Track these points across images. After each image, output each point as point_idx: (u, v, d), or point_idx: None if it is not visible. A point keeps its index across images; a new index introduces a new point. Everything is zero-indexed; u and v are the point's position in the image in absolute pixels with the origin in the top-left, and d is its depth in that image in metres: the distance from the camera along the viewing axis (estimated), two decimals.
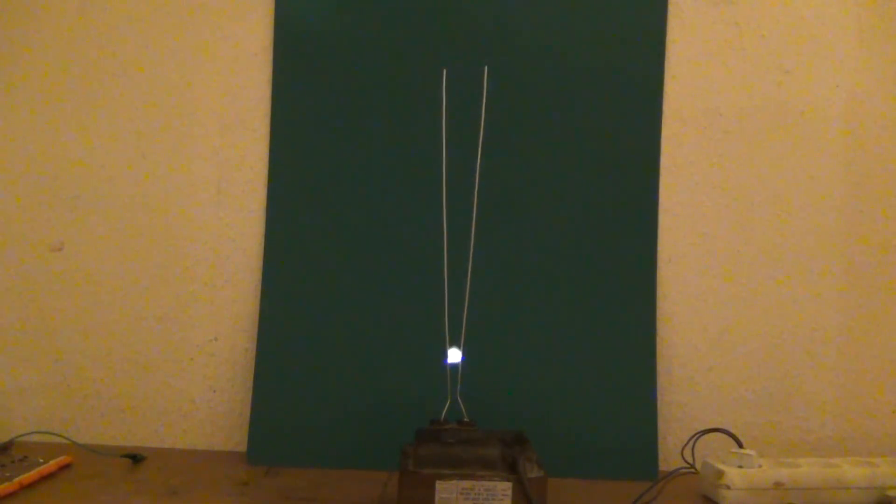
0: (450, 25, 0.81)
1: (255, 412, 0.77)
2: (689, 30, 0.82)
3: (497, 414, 0.74)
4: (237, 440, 0.81)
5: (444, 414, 0.72)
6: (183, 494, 0.65)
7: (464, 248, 0.78)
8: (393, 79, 0.80)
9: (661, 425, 0.78)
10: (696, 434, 0.73)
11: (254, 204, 0.83)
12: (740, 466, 0.66)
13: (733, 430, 0.72)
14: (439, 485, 0.57)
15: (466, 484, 0.57)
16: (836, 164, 0.82)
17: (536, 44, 0.80)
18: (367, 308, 0.78)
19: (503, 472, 0.58)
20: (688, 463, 0.73)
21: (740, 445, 0.70)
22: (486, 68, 0.79)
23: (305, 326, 0.78)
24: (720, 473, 0.66)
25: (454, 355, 0.73)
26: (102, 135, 0.84)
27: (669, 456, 0.77)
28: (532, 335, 0.77)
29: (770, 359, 0.81)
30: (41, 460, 0.70)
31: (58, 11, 0.84)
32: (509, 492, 0.57)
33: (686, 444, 0.74)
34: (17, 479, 0.64)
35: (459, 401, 0.73)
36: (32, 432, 0.79)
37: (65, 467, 0.71)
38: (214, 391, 0.82)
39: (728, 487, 0.65)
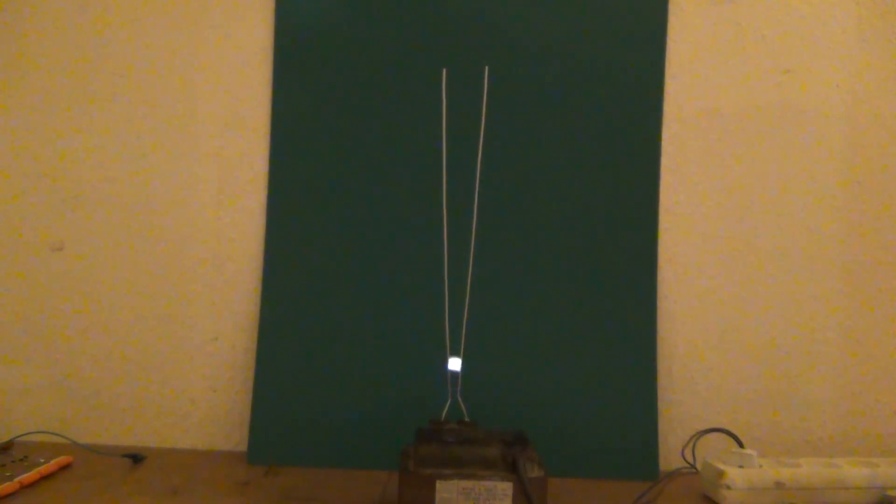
0: (450, 25, 0.81)
1: (255, 412, 0.77)
2: (689, 30, 0.82)
3: (497, 414, 0.74)
4: (237, 440, 0.81)
5: (444, 414, 0.72)
6: (183, 494, 0.65)
7: (464, 247, 0.78)
8: (393, 79, 0.80)
9: (662, 425, 0.79)
10: (696, 434, 0.73)
11: (254, 204, 0.83)
12: (741, 466, 0.66)
13: (733, 430, 0.72)
14: (439, 485, 0.57)
15: (466, 484, 0.57)
16: (836, 164, 0.82)
17: (536, 43, 0.80)
18: (368, 308, 0.78)
19: (503, 472, 0.58)
20: (688, 463, 0.73)
21: (741, 445, 0.70)
22: (486, 68, 0.79)
23: (305, 326, 0.78)
24: (721, 473, 0.66)
25: (454, 363, 0.73)
26: (102, 135, 0.84)
27: (670, 456, 0.78)
28: (532, 335, 0.77)
29: (770, 359, 0.81)
30: (41, 460, 0.70)
31: (58, 11, 0.84)
32: (509, 492, 0.57)
33: (686, 444, 0.74)
34: (17, 479, 0.64)
35: (460, 401, 0.73)
36: (32, 432, 0.79)
37: (65, 467, 0.71)
38: (214, 391, 0.82)
39: (729, 487, 0.65)
